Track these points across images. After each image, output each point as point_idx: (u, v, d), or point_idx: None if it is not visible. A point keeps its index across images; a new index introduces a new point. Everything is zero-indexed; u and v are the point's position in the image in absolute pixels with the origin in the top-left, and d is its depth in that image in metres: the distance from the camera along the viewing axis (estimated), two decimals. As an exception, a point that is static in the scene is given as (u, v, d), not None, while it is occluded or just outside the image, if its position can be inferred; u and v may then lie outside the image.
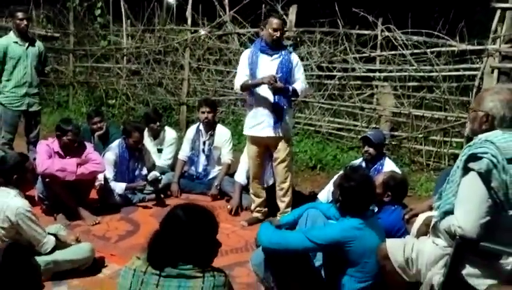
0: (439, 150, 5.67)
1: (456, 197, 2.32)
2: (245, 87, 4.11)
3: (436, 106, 5.92)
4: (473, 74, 5.41)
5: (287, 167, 4.22)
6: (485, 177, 2.20)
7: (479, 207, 2.22)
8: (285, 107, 4.03)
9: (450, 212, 2.35)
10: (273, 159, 4.24)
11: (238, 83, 4.16)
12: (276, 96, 4.00)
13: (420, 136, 5.85)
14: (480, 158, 2.21)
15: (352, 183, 2.77)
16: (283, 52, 4.06)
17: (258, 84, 4.00)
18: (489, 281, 2.32)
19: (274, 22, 4.00)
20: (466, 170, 2.27)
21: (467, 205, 2.25)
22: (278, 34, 3.99)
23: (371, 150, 4.03)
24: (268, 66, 4.03)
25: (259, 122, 4.11)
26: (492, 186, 2.20)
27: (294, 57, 4.16)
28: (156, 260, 2.00)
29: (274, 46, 4.04)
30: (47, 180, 4.16)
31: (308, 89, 4.14)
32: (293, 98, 4.24)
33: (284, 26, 4.06)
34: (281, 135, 4.11)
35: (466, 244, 2.27)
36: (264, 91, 4.02)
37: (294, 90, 4.06)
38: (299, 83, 4.10)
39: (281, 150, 4.16)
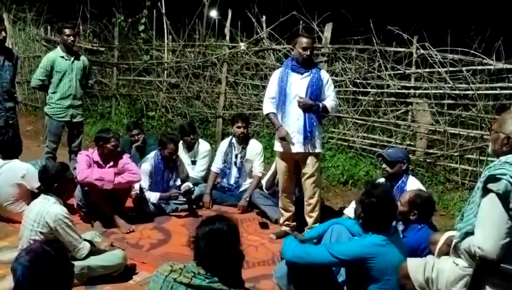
0: (474, 169, 5.57)
1: (476, 217, 2.32)
2: (269, 119, 4.28)
3: (473, 124, 5.83)
4: (511, 92, 5.32)
5: (315, 182, 4.23)
6: (504, 198, 2.19)
7: (499, 228, 2.21)
8: (314, 124, 4.09)
9: (471, 233, 2.35)
10: (302, 174, 4.26)
11: (265, 109, 4.27)
12: (306, 114, 4.06)
13: (456, 154, 5.76)
14: (499, 179, 2.21)
15: (373, 199, 2.78)
16: (313, 70, 4.11)
17: (276, 125, 4.14)
18: (510, 303, 2.31)
19: (304, 41, 4.05)
20: (485, 191, 2.27)
21: (486, 225, 2.25)
22: (308, 52, 4.04)
23: (387, 167, 3.98)
24: (299, 84, 4.08)
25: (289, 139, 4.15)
26: (511, 208, 2.19)
27: (325, 75, 4.21)
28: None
29: (305, 65, 4.10)
30: (86, 188, 4.38)
31: (338, 105, 4.20)
32: (323, 114, 4.29)
33: (313, 44, 4.11)
34: (310, 150, 4.14)
35: (486, 266, 2.26)
36: (294, 108, 4.08)
37: (325, 107, 4.11)
38: (329, 100, 4.14)
39: (310, 165, 4.18)
